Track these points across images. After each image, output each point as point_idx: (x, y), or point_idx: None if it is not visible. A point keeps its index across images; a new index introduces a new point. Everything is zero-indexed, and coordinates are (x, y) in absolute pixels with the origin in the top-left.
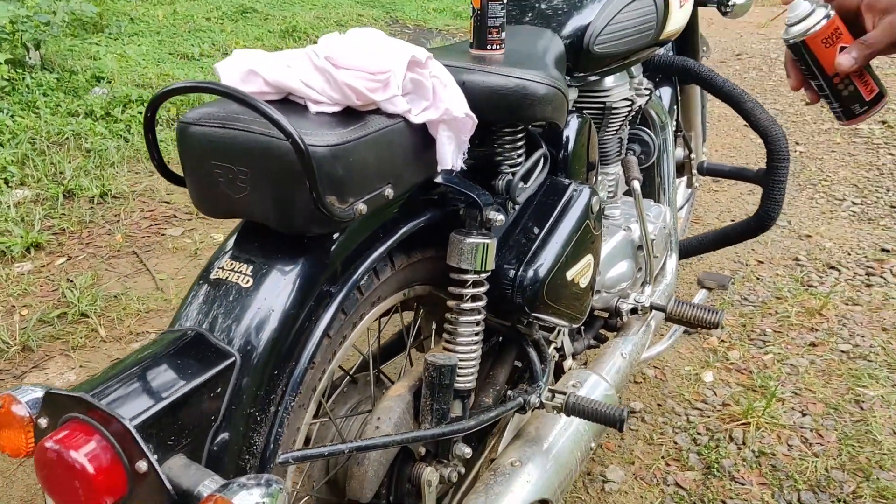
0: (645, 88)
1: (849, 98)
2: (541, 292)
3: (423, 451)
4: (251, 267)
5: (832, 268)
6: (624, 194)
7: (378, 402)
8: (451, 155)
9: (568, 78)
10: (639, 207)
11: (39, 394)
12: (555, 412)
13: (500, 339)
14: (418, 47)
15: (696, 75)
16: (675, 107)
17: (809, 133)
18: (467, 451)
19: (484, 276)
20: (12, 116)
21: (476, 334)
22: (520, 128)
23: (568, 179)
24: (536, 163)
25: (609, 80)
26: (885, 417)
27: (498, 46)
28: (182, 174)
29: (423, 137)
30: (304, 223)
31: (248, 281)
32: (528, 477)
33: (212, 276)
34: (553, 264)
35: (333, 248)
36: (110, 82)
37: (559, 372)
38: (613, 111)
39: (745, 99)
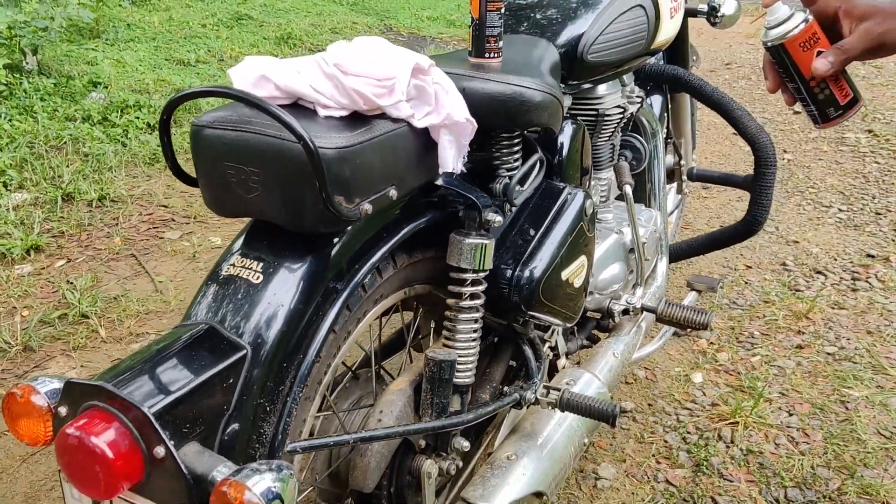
0: (636, 96)
1: (824, 102)
2: (537, 291)
3: (422, 444)
4: (261, 264)
5: (819, 272)
6: (616, 199)
7: (380, 396)
8: (451, 158)
9: (562, 85)
10: (630, 211)
11: (57, 384)
12: (549, 408)
13: (497, 338)
14: (421, 55)
15: (685, 84)
16: (666, 114)
17: (797, 141)
18: (465, 444)
19: (482, 275)
20: (10, 121)
21: (474, 331)
22: (516, 133)
23: (562, 183)
24: (532, 167)
25: (602, 88)
26: (870, 417)
27: (496, 55)
28: (195, 175)
29: (425, 141)
30: (313, 222)
31: (258, 277)
32: (524, 470)
33: (223, 273)
34: (548, 264)
35: (339, 246)
36: (107, 87)
37: (553, 371)
38: (606, 118)
39: (733, 107)
